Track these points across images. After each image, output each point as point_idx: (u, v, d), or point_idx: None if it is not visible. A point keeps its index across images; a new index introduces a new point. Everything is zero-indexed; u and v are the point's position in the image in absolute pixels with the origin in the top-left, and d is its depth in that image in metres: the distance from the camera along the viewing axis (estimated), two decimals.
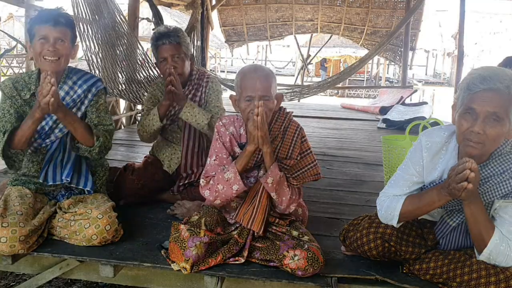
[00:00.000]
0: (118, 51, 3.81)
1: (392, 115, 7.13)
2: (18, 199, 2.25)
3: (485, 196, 1.83)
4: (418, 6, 8.00)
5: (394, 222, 1.96)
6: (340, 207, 3.10)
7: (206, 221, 2.20)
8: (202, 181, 2.28)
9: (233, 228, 2.25)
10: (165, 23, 5.92)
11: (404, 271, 2.08)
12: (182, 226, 2.13)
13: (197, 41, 6.25)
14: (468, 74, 1.79)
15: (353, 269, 2.15)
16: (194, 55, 6.30)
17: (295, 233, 2.20)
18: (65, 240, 2.25)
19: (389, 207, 1.96)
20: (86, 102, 2.43)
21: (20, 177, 2.43)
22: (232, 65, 28.80)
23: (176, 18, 19.01)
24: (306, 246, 2.02)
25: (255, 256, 2.13)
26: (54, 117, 2.33)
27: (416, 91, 9.11)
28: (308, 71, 22.60)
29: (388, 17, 10.99)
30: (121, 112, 5.87)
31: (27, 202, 2.26)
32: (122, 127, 6.02)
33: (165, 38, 2.82)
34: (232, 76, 25.08)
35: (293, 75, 20.84)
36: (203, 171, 2.32)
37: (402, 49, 10.13)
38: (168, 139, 3.05)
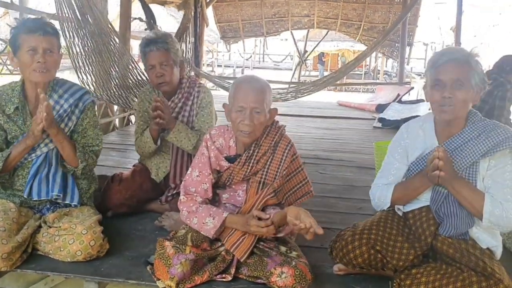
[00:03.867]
0: (105, 57, 3.75)
1: (388, 114, 7.10)
2: (1, 213, 2.21)
3: (468, 158, 1.98)
4: (414, 3, 7.92)
5: (385, 208, 2.17)
6: (332, 216, 3.06)
7: (192, 236, 2.16)
8: (182, 197, 2.23)
9: (220, 244, 2.19)
10: (161, 20, 5.84)
11: (394, 287, 2.04)
12: (167, 243, 2.09)
13: (189, 42, 6.17)
14: (431, 56, 2.10)
15: (342, 284, 2.13)
16: (188, 55, 6.23)
17: (283, 248, 2.16)
18: (49, 256, 2.21)
19: (381, 196, 2.16)
20: (73, 118, 2.39)
21: (3, 191, 2.38)
22: (229, 59, 28.63)
23: (172, 13, 18.88)
24: (293, 263, 1.98)
25: (242, 272, 2.10)
26: None
27: (412, 88, 9.07)
28: (306, 65, 22.52)
29: (385, 12, 10.96)
30: (114, 114, 5.79)
31: (11, 217, 2.22)
32: (116, 129, 5.94)
33: (153, 44, 2.75)
34: (229, 71, 25.03)
35: (291, 69, 20.74)
36: (183, 182, 2.27)
37: (399, 45, 10.08)
38: None
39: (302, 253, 2.16)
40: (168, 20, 18.08)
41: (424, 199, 2.11)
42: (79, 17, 3.32)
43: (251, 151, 2.22)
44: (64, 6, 3.22)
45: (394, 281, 2.03)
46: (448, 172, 1.92)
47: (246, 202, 2.21)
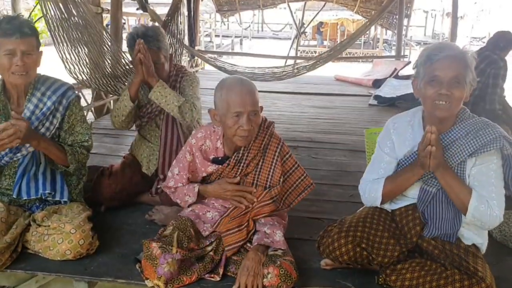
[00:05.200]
0: (91, 48, 3.69)
1: (384, 91, 7.01)
2: None
3: (456, 157, 1.97)
4: None
5: (377, 203, 2.11)
6: (323, 204, 3.07)
7: (179, 236, 2.15)
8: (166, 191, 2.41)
9: (207, 243, 2.21)
10: None
11: (380, 282, 2.07)
12: (153, 244, 2.09)
13: (181, 23, 6.05)
14: (423, 49, 2.04)
15: (329, 278, 2.16)
16: (180, 36, 6.12)
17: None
18: (39, 254, 2.23)
19: (371, 190, 2.11)
20: (58, 115, 2.36)
21: None
22: (228, 29, 28.13)
23: None
24: (278, 262, 2.00)
25: (230, 270, 2.12)
26: None
27: (409, 63, 8.95)
28: (305, 35, 22.18)
29: None
30: (108, 96, 5.70)
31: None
32: (110, 112, 5.83)
33: (144, 43, 2.63)
34: (228, 41, 24.61)
35: (290, 39, 20.40)
36: (166, 179, 2.38)
37: (397, 16, 9.90)
38: (146, 138, 2.99)
39: (288, 250, 2.17)
40: None
41: (412, 196, 2.11)
42: (62, 8, 3.25)
43: (240, 155, 2.21)
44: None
45: (380, 276, 2.07)
46: (439, 157, 1.90)
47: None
